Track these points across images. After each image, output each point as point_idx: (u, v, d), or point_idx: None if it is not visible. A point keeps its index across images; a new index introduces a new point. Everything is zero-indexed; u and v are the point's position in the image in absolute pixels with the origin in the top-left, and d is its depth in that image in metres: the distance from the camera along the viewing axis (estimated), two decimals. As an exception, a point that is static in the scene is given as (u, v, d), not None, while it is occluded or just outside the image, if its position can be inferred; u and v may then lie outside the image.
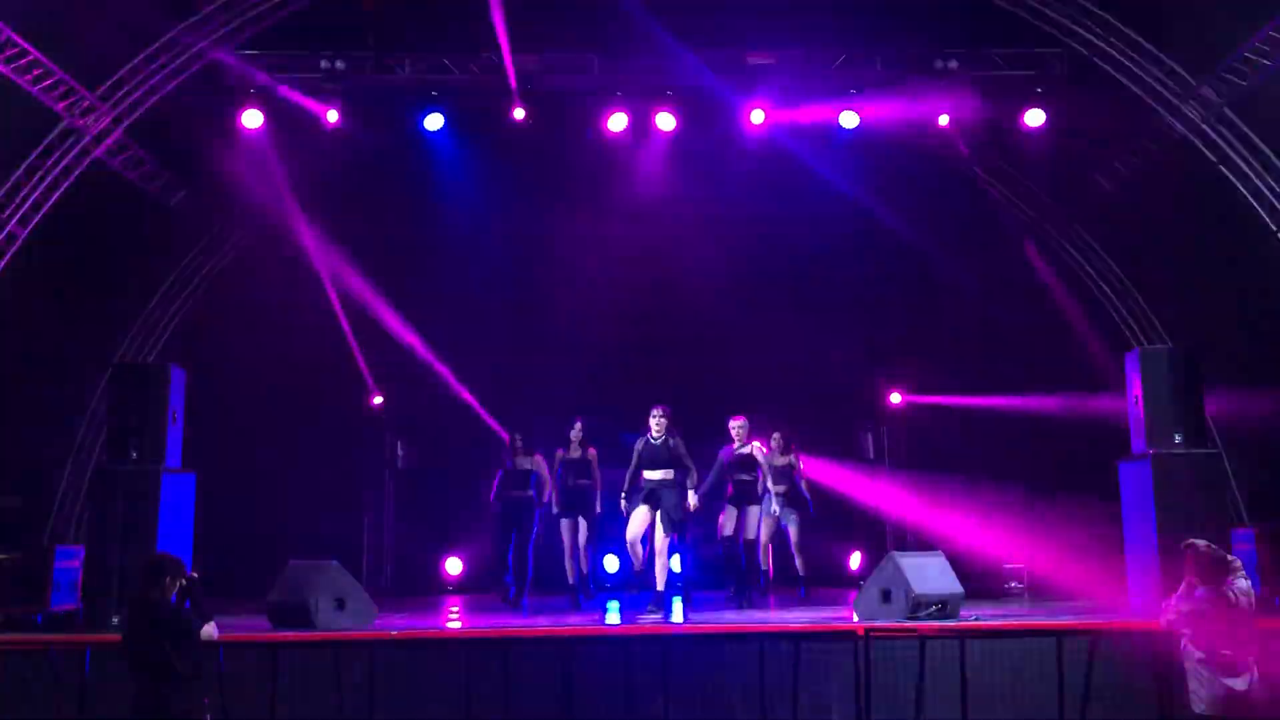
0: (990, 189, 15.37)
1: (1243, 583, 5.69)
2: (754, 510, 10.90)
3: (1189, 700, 5.68)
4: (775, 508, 11.08)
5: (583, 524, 11.23)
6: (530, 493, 11.54)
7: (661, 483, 9.96)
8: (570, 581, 11.21)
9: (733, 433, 10.79)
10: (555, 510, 11.40)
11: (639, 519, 10.02)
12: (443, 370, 15.23)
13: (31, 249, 11.83)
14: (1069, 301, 15.30)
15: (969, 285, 15.85)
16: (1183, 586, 5.69)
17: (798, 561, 11.85)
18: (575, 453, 11.21)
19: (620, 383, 14.56)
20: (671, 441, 10.05)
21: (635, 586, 11.24)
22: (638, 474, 10.08)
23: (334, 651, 7.59)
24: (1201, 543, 5.79)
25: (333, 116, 12.37)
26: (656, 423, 10.07)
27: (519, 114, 12.80)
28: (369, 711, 7.44)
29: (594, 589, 11.19)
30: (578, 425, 11.30)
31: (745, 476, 10.87)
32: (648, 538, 10.04)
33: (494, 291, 15.54)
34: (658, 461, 10.01)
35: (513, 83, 12.46)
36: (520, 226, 15.59)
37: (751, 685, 7.62)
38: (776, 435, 11.92)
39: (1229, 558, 5.73)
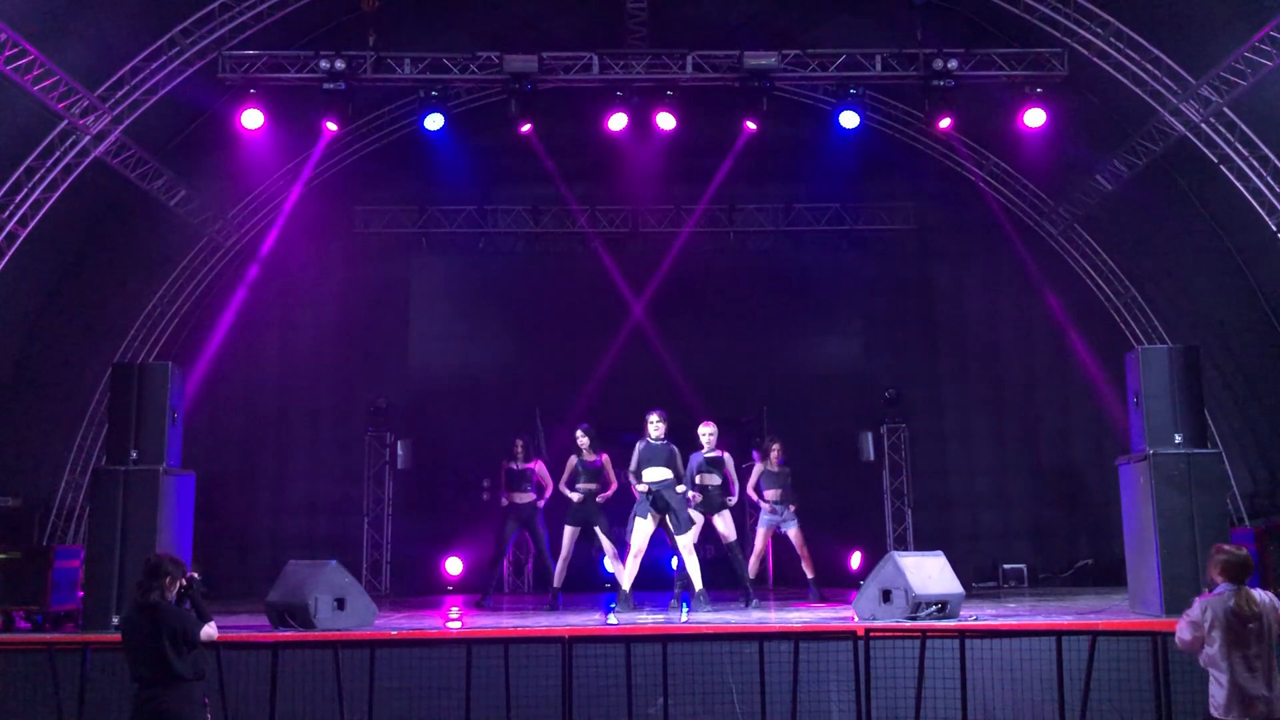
0: (990, 189, 15.38)
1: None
2: (725, 516, 10.73)
3: (1208, 703, 5.68)
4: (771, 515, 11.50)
5: (598, 534, 11.11)
6: (533, 496, 11.57)
7: (663, 484, 10.19)
8: (554, 584, 11.20)
9: (702, 439, 10.82)
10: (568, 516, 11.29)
11: (645, 533, 10.21)
12: (444, 370, 15.25)
13: (32, 249, 11.83)
14: (1068, 301, 15.33)
15: (969, 285, 15.89)
16: (1206, 589, 5.76)
17: (806, 565, 11.84)
18: (589, 457, 11.06)
19: (620, 384, 14.56)
20: (670, 444, 10.32)
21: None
22: (639, 473, 10.30)
23: (334, 651, 7.58)
24: (1229, 545, 5.85)
25: (332, 117, 12.33)
26: (654, 426, 10.35)
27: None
28: (369, 711, 7.44)
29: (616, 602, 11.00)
30: (580, 431, 11.17)
31: (715, 481, 10.79)
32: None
33: (496, 289, 15.56)
34: (657, 460, 10.24)
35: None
36: (523, 224, 15.61)
37: (751, 685, 7.61)
38: (776, 445, 11.96)
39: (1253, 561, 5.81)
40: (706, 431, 10.82)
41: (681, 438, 10.73)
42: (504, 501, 11.62)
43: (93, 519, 9.52)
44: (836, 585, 12.92)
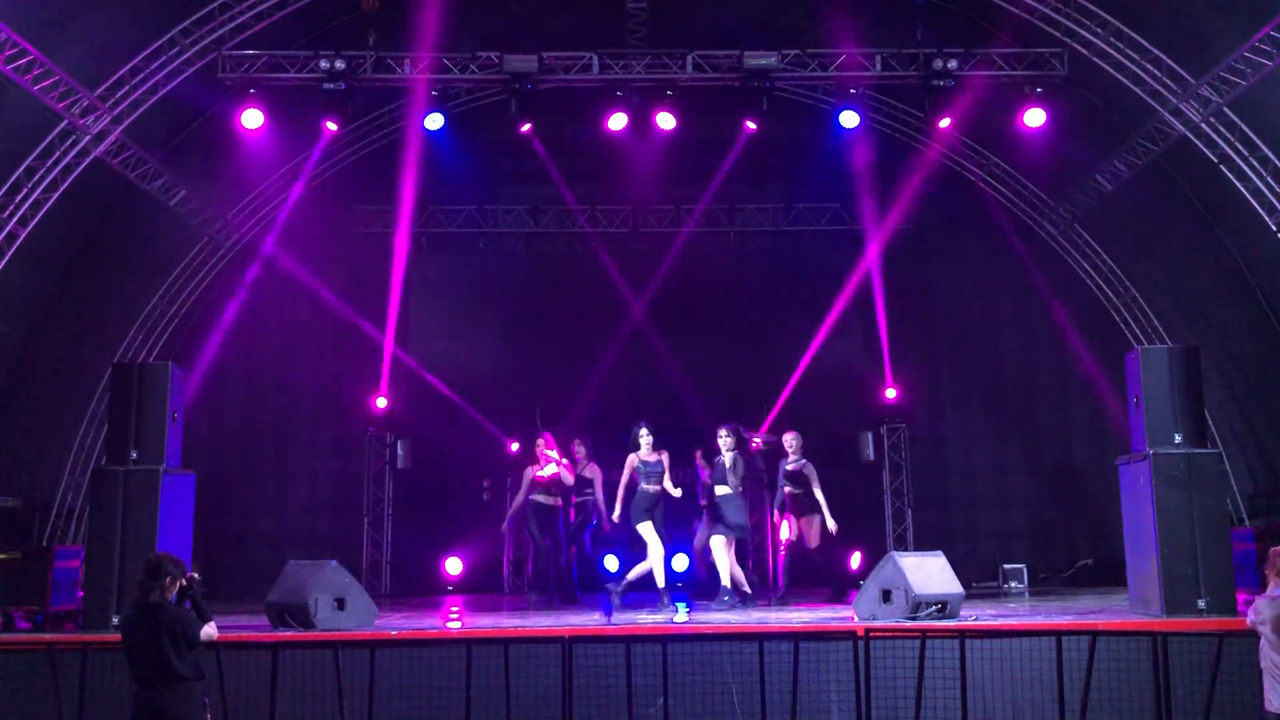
0: (990, 189, 15.38)
1: None
2: (815, 520, 11.22)
3: (1263, 699, 5.85)
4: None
5: (651, 529, 10.91)
6: (558, 499, 11.55)
7: (724, 499, 10.52)
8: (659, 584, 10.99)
9: (786, 446, 11.37)
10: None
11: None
12: (444, 370, 15.23)
13: (32, 249, 11.83)
14: (1068, 301, 15.33)
15: (969, 285, 15.89)
16: (1270, 587, 5.90)
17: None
18: (650, 457, 10.80)
19: (620, 384, 14.56)
20: (736, 461, 10.53)
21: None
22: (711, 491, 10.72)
23: (334, 651, 7.58)
24: None
25: (332, 117, 12.33)
26: (724, 442, 10.59)
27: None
28: (369, 711, 7.44)
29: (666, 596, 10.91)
30: (644, 429, 10.83)
31: (796, 490, 11.31)
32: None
33: (496, 289, 15.56)
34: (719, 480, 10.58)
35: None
36: (523, 224, 15.62)
37: (751, 685, 7.61)
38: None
39: None
40: (790, 439, 11.40)
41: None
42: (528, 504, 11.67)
43: (93, 519, 9.52)
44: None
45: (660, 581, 10.71)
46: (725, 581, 10.37)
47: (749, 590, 10.67)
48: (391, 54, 12.31)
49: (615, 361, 14.78)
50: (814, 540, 11.29)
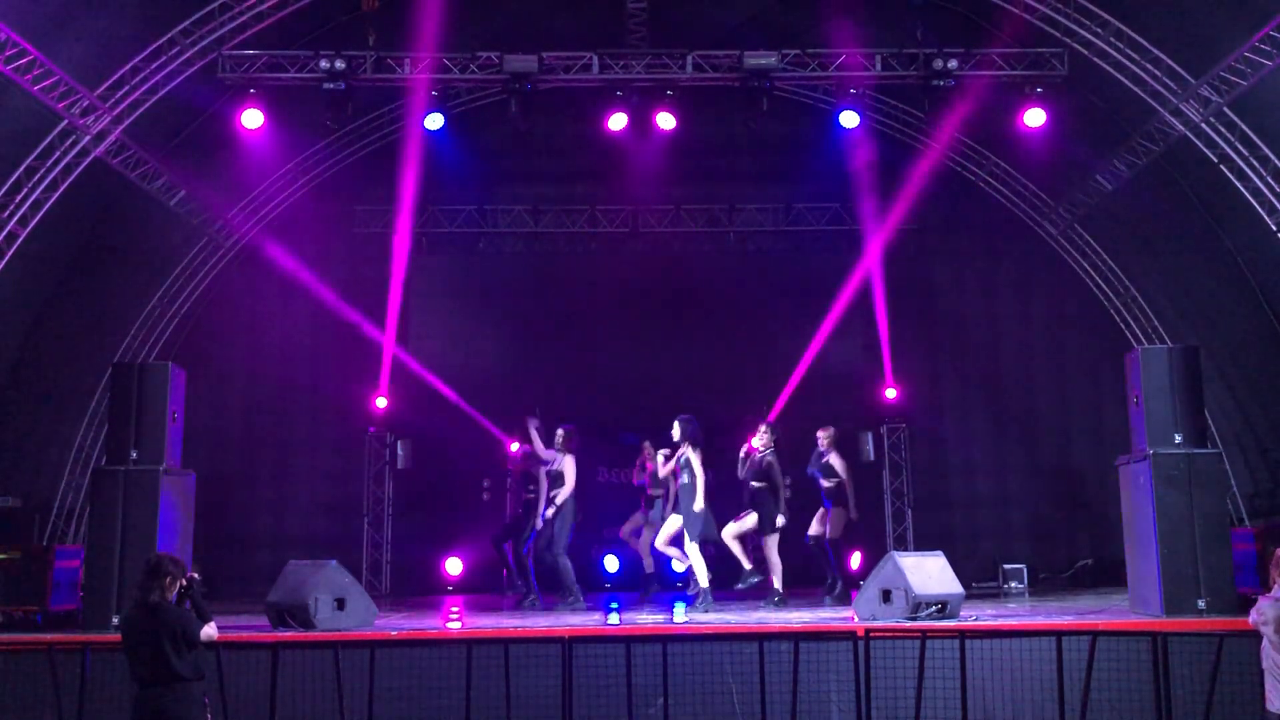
0: (990, 189, 15.38)
1: None
2: (838, 512, 11.47)
3: (1264, 700, 5.87)
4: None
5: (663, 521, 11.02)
6: (534, 493, 11.25)
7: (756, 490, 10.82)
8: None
9: (820, 443, 11.64)
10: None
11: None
12: (444, 370, 15.22)
13: (32, 249, 11.82)
14: (1068, 301, 15.33)
15: (968, 284, 15.89)
16: (1275, 588, 5.93)
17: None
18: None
19: (620, 384, 14.56)
20: (765, 457, 10.79)
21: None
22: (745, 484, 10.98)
23: (334, 651, 7.58)
24: None
25: (332, 117, 12.33)
26: (763, 439, 10.88)
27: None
28: (369, 711, 7.44)
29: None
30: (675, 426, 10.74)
31: (827, 483, 11.54)
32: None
33: (496, 289, 15.56)
34: (757, 475, 10.84)
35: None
36: (523, 224, 15.61)
37: (751, 685, 7.61)
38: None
39: None
40: (824, 435, 11.72)
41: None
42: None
43: (93, 519, 9.53)
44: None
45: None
46: (776, 580, 10.62)
47: (779, 589, 10.72)
48: (391, 54, 12.30)
49: (615, 361, 14.78)
50: (832, 531, 11.44)
